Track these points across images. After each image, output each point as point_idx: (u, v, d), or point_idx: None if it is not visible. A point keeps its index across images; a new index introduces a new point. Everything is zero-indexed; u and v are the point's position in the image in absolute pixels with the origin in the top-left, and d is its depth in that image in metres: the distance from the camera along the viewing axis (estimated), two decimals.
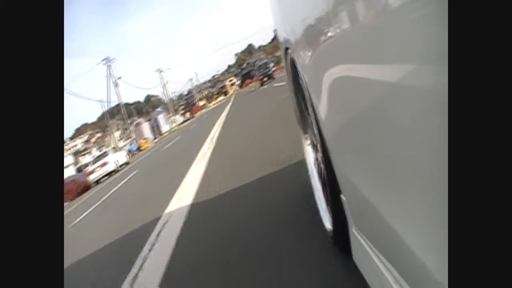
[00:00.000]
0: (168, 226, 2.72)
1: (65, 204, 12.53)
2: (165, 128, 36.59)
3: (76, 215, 7.35)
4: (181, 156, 7.98)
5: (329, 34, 0.61)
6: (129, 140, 30.63)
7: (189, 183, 3.96)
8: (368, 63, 0.47)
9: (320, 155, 1.12)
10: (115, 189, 9.07)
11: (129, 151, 25.40)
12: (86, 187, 14.92)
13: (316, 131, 1.04)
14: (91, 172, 15.72)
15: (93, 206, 7.63)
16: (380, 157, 0.52)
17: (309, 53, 0.84)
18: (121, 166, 16.90)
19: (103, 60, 32.02)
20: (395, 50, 0.39)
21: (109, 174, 15.71)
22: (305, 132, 1.72)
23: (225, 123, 10.86)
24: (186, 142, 12.25)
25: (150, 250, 2.34)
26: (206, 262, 1.77)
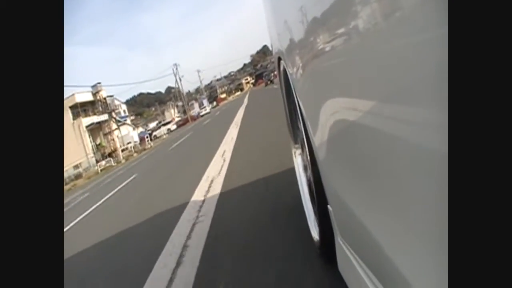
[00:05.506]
0: (235, 124, 10.21)
1: (197, 121, 36.35)
2: (207, 108, 56.59)
3: (205, 120, 25.71)
4: (232, 110, 19.05)
5: (319, 46, 0.63)
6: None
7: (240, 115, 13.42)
8: (358, 75, 0.48)
9: (309, 165, 1.13)
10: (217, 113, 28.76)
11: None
12: (196, 119, 40.28)
13: (305, 141, 1.05)
14: (199, 113, 45.24)
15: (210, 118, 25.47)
16: (366, 169, 0.52)
17: (300, 64, 0.85)
18: (209, 112, 45.30)
19: (173, 64, 49.44)
20: (383, 64, 0.39)
21: (206, 114, 43.25)
22: (296, 142, 1.73)
23: (249, 97, 27.54)
24: (231, 108, 25.48)
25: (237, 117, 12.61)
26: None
